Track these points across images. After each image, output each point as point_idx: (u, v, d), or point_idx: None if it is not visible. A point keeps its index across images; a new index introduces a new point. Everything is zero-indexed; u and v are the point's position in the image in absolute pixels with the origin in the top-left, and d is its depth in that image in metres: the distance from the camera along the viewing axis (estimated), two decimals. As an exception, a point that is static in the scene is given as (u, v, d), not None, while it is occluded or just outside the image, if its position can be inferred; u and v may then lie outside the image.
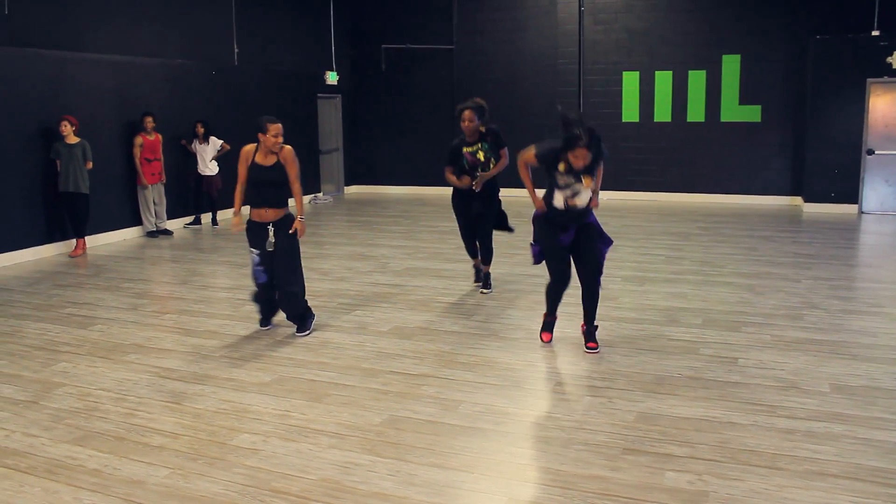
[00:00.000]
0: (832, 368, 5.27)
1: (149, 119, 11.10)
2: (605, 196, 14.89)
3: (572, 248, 5.67)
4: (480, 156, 7.22)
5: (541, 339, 5.99)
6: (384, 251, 9.77)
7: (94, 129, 10.41)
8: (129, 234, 11.32)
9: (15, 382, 5.27)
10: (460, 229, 7.60)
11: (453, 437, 4.26)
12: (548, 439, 4.23)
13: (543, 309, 6.77)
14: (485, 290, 7.56)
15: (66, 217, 10.14)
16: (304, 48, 15.56)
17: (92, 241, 10.50)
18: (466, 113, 7.13)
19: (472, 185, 7.19)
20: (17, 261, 9.57)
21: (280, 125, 5.95)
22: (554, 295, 5.86)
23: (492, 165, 7.23)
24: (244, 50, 13.83)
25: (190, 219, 12.34)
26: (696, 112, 14.54)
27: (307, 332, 6.24)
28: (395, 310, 6.93)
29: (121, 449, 4.16)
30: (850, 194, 12.99)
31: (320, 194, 15.71)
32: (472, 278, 7.90)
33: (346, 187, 17.11)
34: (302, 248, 9.96)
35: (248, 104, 13.38)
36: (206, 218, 12.46)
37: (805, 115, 13.42)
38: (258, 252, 6.10)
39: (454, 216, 7.61)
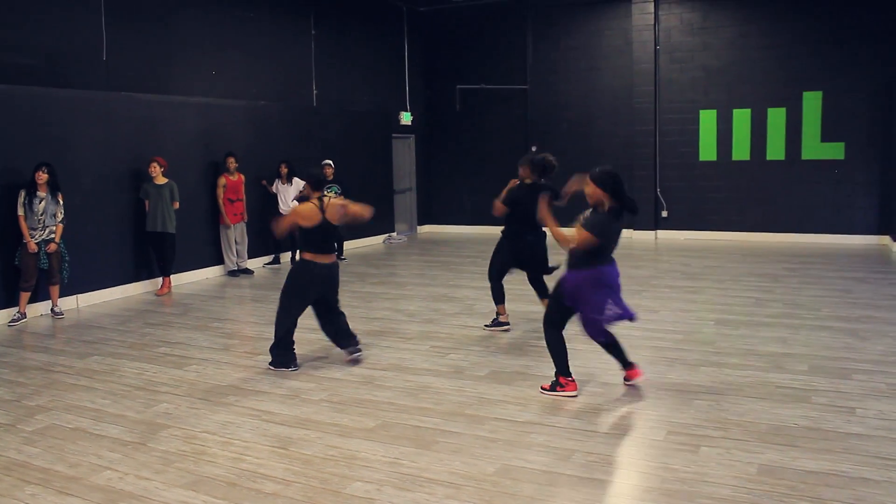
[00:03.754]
0: (961, 421, 5.00)
1: (231, 160, 11.31)
2: (682, 235, 14.79)
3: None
4: None
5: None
6: (467, 293, 9.69)
7: (180, 170, 10.63)
8: (212, 273, 11.49)
9: (121, 423, 5.31)
10: (495, 265, 7.67)
11: (572, 487, 4.12)
12: (670, 492, 4.06)
13: (643, 354, 6.66)
14: None
15: (153, 256, 10.33)
16: (380, 89, 15.76)
17: (176, 279, 10.67)
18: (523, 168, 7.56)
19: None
20: (106, 298, 9.77)
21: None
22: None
23: None
24: (322, 91, 14.05)
25: (269, 258, 12.47)
26: (775, 150, 14.24)
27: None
28: (488, 353, 6.83)
29: (234, 495, 4.13)
30: (944, 234, 12.53)
31: (394, 234, 15.78)
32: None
33: (419, 227, 17.16)
34: (384, 289, 10.03)
35: (325, 144, 13.57)
36: (286, 257, 12.58)
37: (893, 150, 13.02)
38: None
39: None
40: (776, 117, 14.18)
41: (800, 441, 4.69)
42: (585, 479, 4.24)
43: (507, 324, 7.75)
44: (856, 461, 4.38)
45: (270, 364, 6.53)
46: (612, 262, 5.67)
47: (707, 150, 14.76)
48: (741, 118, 14.46)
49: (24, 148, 8.74)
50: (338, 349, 6.73)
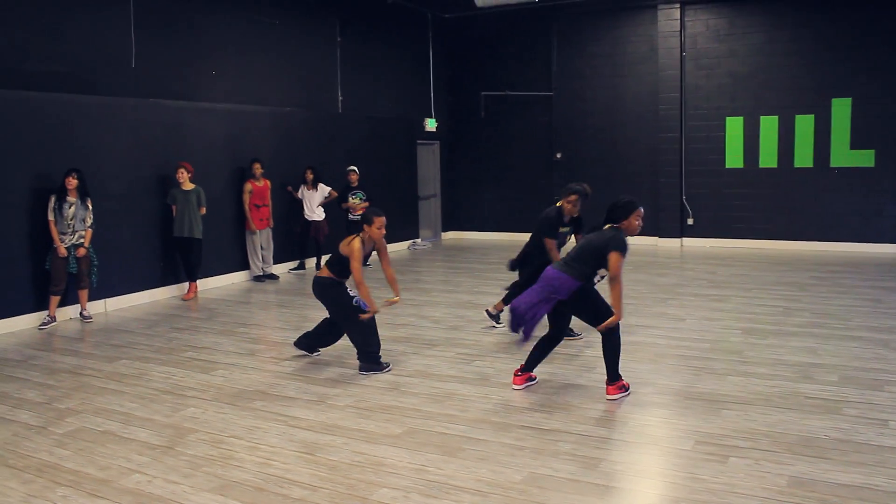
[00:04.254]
0: None
1: (257, 165, 11.37)
2: (708, 243, 14.68)
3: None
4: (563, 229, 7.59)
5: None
6: (492, 299, 9.63)
7: (207, 176, 10.72)
8: (237, 278, 11.56)
9: (149, 427, 5.35)
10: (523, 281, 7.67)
11: (599, 497, 4.09)
12: (699, 503, 4.03)
13: (669, 362, 6.64)
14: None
15: (179, 261, 10.42)
16: (405, 95, 15.82)
17: (202, 284, 10.74)
18: (573, 197, 7.37)
19: None
20: (134, 303, 9.86)
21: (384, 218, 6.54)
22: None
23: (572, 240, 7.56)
24: (347, 98, 14.11)
25: (294, 264, 12.53)
26: (803, 157, 14.11)
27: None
28: (514, 360, 6.79)
29: (262, 500, 4.14)
30: (975, 243, 12.34)
31: (419, 240, 15.81)
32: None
33: (443, 233, 17.18)
34: (410, 296, 10.03)
35: (350, 151, 13.64)
36: (310, 263, 12.63)
37: (924, 159, 12.88)
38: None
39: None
40: (804, 124, 14.05)
41: (831, 453, 4.63)
42: (613, 488, 4.21)
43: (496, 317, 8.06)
44: (890, 475, 4.31)
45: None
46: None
47: (734, 158, 14.65)
48: (768, 125, 14.34)
49: (54, 154, 8.86)
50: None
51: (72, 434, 5.23)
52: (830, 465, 4.45)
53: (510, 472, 4.41)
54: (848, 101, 13.65)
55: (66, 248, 8.63)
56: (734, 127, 14.61)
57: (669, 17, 14.81)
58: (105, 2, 9.73)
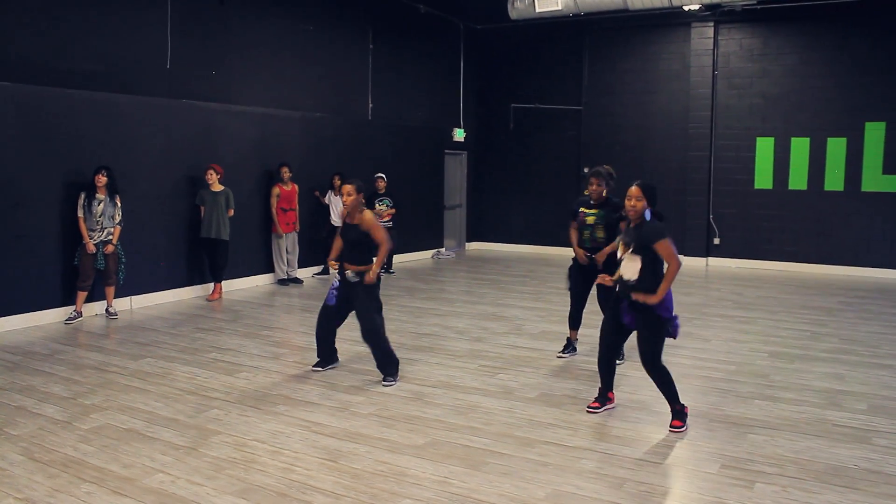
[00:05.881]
0: None
1: (285, 169, 11.42)
2: (734, 264, 14.55)
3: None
4: (590, 219, 7.17)
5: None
6: (516, 312, 9.65)
7: (236, 178, 10.78)
8: (262, 281, 11.60)
9: (173, 427, 5.36)
10: (571, 296, 7.42)
11: (624, 519, 4.06)
12: (725, 529, 3.98)
13: (695, 383, 6.56)
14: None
15: (205, 262, 10.47)
16: (434, 105, 15.85)
17: (226, 286, 10.79)
18: (594, 179, 7.18)
19: (588, 258, 7.15)
20: (158, 302, 9.91)
21: (350, 186, 6.56)
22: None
23: (599, 234, 7.14)
24: (378, 105, 14.16)
25: (318, 268, 12.56)
26: (834, 181, 13.97)
27: (391, 382, 6.47)
28: (538, 375, 6.77)
29: (284, 505, 4.14)
30: None
31: (443, 249, 15.81)
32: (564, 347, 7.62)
33: (467, 243, 17.17)
34: (433, 305, 10.01)
35: (379, 157, 13.67)
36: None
37: (958, 187, 12.70)
38: (340, 279, 6.81)
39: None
40: (836, 147, 13.91)
41: (860, 484, 4.55)
42: (638, 509, 4.17)
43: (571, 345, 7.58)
44: (920, 507, 4.24)
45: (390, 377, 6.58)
46: None
47: (763, 178, 14.54)
48: (799, 147, 14.22)
49: (87, 151, 8.95)
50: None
51: (96, 430, 5.25)
52: (861, 497, 4.37)
53: (534, 489, 4.38)
54: (882, 125, 13.50)
55: (95, 245, 8.70)
56: (764, 148, 14.50)
57: (703, 36, 14.75)
58: (143, 4, 9.84)
